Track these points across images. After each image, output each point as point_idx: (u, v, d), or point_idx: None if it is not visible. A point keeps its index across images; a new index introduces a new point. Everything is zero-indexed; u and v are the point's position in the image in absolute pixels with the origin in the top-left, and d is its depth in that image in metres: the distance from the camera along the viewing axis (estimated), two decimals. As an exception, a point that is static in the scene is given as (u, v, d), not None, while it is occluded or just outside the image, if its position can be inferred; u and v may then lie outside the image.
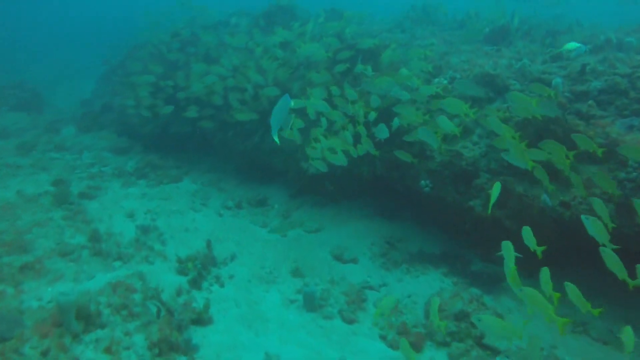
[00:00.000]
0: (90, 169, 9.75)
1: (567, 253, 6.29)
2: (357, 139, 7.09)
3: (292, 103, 8.23)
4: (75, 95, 18.93)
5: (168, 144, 11.30)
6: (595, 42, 8.20)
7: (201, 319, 5.25)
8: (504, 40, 9.16)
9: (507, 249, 4.53)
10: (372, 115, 7.47)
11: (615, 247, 4.44)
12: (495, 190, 5.25)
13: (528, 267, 4.96)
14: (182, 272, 6.15)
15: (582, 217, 4.83)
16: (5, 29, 29.40)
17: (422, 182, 7.44)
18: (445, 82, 7.77)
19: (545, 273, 4.27)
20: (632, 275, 4.28)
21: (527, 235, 4.78)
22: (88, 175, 9.31)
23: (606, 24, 9.77)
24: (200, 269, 6.03)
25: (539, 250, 4.65)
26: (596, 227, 4.67)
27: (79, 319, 4.74)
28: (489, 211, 5.63)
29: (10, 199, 7.67)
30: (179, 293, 5.64)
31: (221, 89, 8.82)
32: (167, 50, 10.15)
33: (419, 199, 7.92)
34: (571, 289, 4.17)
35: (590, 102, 6.61)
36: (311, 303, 5.74)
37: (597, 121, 6.39)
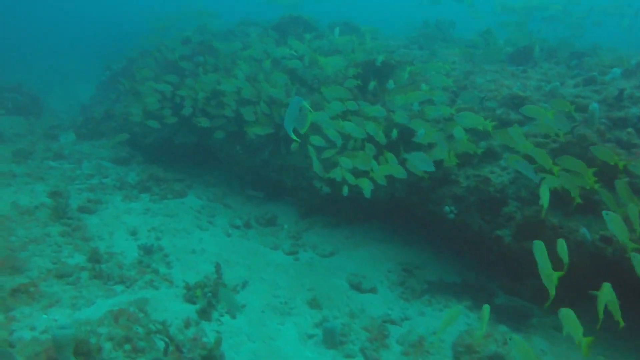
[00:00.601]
0: (90, 179, 9.23)
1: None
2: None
3: (306, 104, 7.82)
4: (73, 100, 18.43)
5: (171, 155, 10.82)
6: (623, 66, 7.88)
7: (212, 356, 4.74)
8: (528, 61, 8.81)
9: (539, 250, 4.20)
10: (394, 133, 7.06)
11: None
12: (544, 193, 5.02)
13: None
14: (190, 299, 5.65)
15: (603, 212, 4.61)
16: None
17: (447, 207, 7.01)
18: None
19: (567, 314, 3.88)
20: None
21: (562, 248, 4.45)
22: (88, 186, 8.79)
23: (623, 48, 9.47)
24: (210, 297, 5.53)
25: (556, 276, 4.23)
26: (616, 225, 4.36)
27: (77, 355, 4.23)
28: (543, 214, 5.48)
29: (4, 211, 7.15)
30: (187, 325, 5.13)
31: (233, 100, 8.39)
32: (178, 58, 9.70)
33: (440, 225, 7.48)
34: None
35: (629, 129, 6.23)
36: (331, 339, 5.25)
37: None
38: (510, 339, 3.78)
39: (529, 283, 6.70)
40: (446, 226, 7.26)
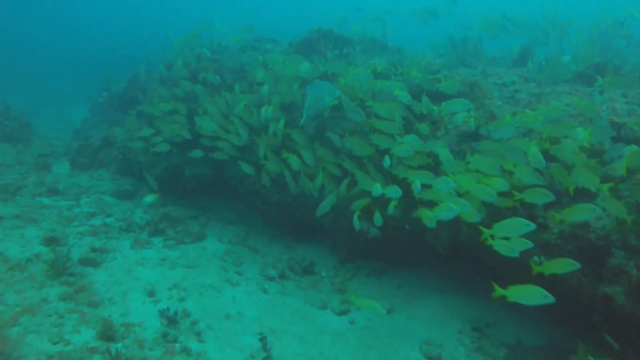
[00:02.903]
0: (91, 220, 7.87)
1: None
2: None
3: (339, 93, 6.68)
4: (63, 123, 17.06)
5: (182, 188, 9.51)
6: None
7: None
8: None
9: None
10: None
11: None
12: None
13: None
14: (237, 393, 4.32)
15: None
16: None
17: (536, 258, 5.77)
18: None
19: None
20: None
21: None
22: (89, 229, 7.43)
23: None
24: (264, 390, 4.21)
25: None
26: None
27: None
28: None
29: (-11, 267, 5.78)
30: None
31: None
32: (200, 81, 8.48)
33: (517, 277, 6.23)
34: None
35: None
36: None
37: None
38: None
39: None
40: (527, 279, 6.01)
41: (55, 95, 21.90)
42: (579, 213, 4.77)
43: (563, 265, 4.62)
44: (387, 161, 6.08)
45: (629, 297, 5.21)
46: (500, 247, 4.80)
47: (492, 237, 4.95)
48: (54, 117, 18.29)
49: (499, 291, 4.43)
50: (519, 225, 4.72)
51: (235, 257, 7.42)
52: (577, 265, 4.55)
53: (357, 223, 6.09)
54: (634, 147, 5.53)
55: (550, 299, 4.24)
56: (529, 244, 4.87)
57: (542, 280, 5.84)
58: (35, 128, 14.92)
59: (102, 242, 7.02)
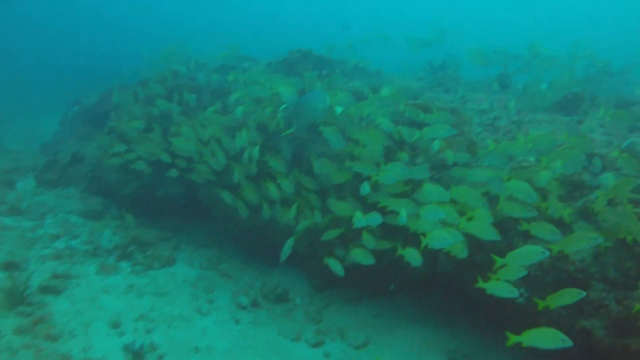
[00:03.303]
0: (55, 242, 7.50)
1: None
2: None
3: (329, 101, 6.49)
4: (32, 136, 16.49)
5: (153, 208, 9.19)
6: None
7: None
8: (577, 110, 7.77)
9: None
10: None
11: None
12: None
13: None
14: None
15: None
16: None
17: (519, 290, 5.67)
18: (532, 159, 6.17)
19: None
20: None
21: None
22: (53, 253, 7.06)
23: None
24: None
25: None
26: None
27: None
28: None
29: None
30: None
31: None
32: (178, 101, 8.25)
33: (499, 307, 6.13)
34: None
35: None
36: None
37: None
38: None
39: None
40: (510, 310, 5.91)
41: (25, 106, 21.21)
42: (578, 242, 4.65)
43: (570, 296, 4.46)
44: (365, 188, 5.92)
45: (609, 331, 5.15)
46: (498, 289, 4.65)
47: (485, 279, 4.82)
48: (22, 129, 17.67)
49: (513, 339, 4.25)
50: (534, 253, 4.57)
51: (206, 283, 7.13)
52: (583, 294, 4.36)
53: (334, 267, 5.90)
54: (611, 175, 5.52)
55: (567, 342, 4.07)
56: (523, 272, 4.76)
57: (524, 313, 5.76)
58: (0, 141, 14.37)
59: (66, 267, 6.67)
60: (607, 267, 5.38)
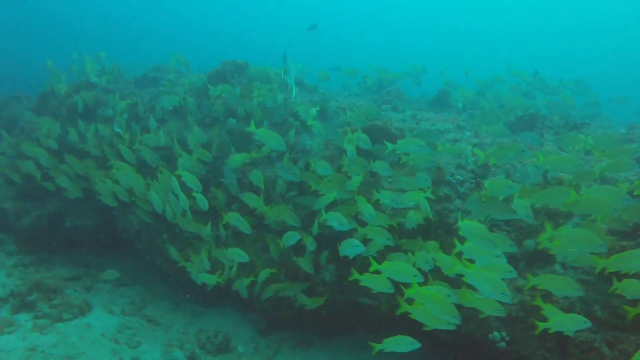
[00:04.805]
0: None
1: None
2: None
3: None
4: None
5: (60, 241, 7.78)
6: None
7: None
8: (533, 131, 7.51)
9: None
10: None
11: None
12: None
13: None
14: None
15: None
16: None
17: (495, 333, 5.10)
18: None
19: None
20: None
21: None
22: None
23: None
24: None
25: None
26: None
27: None
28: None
29: None
30: None
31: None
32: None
33: (478, 352, 5.53)
34: None
35: None
36: None
37: None
38: None
39: None
40: (490, 355, 5.32)
41: None
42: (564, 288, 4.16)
43: (573, 322, 3.88)
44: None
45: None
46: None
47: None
48: None
49: None
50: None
51: (130, 334, 5.93)
52: (588, 324, 3.86)
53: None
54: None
55: None
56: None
57: (503, 356, 5.21)
58: None
59: (-58, 327, 5.18)
60: (592, 304, 4.98)
